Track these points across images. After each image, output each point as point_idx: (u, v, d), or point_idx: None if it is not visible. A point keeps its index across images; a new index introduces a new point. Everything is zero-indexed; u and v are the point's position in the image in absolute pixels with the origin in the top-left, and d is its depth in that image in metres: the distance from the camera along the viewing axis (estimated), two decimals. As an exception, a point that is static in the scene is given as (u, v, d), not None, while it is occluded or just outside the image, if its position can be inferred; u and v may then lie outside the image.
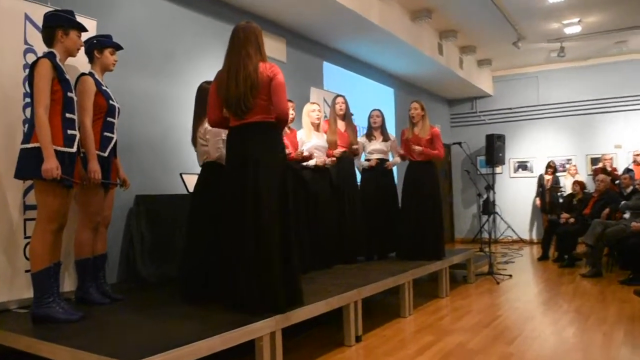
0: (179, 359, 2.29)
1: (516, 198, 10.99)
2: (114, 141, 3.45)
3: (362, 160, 5.67)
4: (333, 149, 5.16)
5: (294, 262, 3.07)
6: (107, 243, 3.62)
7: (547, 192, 9.97)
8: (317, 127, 5.00)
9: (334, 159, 5.06)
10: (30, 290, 2.98)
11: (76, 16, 3.17)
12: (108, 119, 3.40)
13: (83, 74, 3.35)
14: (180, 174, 4.59)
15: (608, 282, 6.02)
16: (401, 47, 7.52)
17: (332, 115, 5.39)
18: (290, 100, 4.27)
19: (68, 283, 3.54)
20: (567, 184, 9.65)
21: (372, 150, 5.61)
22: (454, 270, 6.02)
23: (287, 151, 3.67)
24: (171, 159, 4.84)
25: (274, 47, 6.18)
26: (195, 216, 3.47)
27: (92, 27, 3.66)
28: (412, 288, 4.57)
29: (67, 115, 2.96)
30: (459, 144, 6.77)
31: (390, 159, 5.74)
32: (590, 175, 9.96)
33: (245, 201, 2.99)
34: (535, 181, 10.52)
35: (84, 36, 3.26)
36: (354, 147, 5.32)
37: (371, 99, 7.98)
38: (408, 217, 5.38)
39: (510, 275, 6.46)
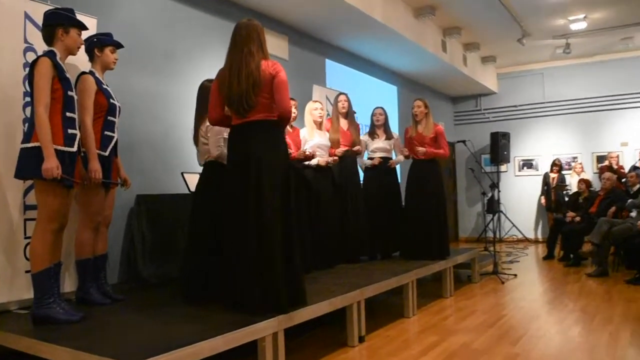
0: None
1: (521, 196, 10.96)
2: (114, 140, 3.46)
3: (364, 159, 5.67)
4: (336, 147, 5.16)
5: (296, 261, 3.07)
6: (108, 243, 3.62)
7: (553, 191, 9.94)
8: (319, 125, 4.99)
9: (336, 158, 5.06)
10: (31, 290, 2.98)
11: (76, 14, 3.17)
12: (109, 117, 3.41)
13: (83, 73, 3.35)
14: (182, 173, 4.59)
15: (614, 281, 6.00)
16: (404, 44, 7.51)
17: (335, 114, 5.39)
18: (292, 99, 4.27)
19: (68, 283, 3.54)
20: (572, 182, 9.62)
21: (375, 148, 5.61)
22: (458, 269, 6.02)
23: (289, 150, 3.67)
24: (172, 158, 4.85)
25: (276, 45, 6.18)
26: (197, 216, 3.47)
27: (92, 26, 3.66)
28: (416, 288, 4.56)
29: (68, 114, 2.96)
30: (463, 142, 6.75)
31: (394, 157, 5.73)
32: (596, 173, 9.94)
33: (247, 200, 2.99)
34: (540, 179, 10.50)
35: (84, 34, 3.26)
36: (355, 148, 5.31)
37: (374, 96, 7.97)
38: (412, 216, 5.38)
39: (515, 275, 6.45)
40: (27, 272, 3.20)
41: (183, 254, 3.64)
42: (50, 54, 2.95)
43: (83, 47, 3.30)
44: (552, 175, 10.08)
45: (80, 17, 3.24)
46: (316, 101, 5.15)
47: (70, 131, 2.95)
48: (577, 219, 7.41)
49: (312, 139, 4.87)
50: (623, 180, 8.06)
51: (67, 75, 3.00)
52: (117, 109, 3.49)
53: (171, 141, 4.86)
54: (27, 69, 3.09)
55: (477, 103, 11.68)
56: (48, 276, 2.88)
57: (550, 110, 10.86)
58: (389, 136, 5.66)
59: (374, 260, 5.41)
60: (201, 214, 3.43)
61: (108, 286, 3.54)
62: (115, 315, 3.11)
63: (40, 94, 2.84)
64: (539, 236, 10.81)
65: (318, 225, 4.69)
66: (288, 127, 4.58)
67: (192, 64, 5.18)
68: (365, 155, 5.70)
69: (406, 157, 5.57)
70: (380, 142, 5.61)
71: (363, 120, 6.81)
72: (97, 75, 3.40)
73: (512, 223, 10.69)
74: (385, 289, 4.07)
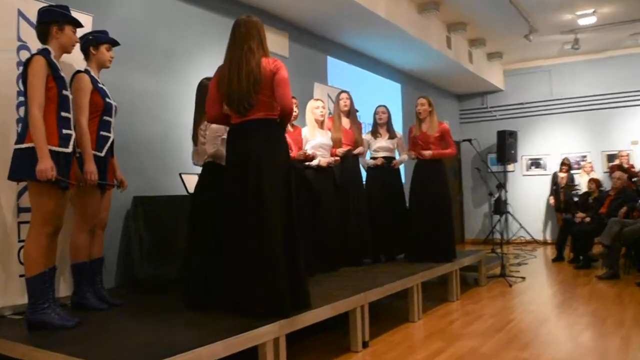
0: (180, 366, 2.29)
1: (529, 197, 10.95)
2: (110, 140, 3.46)
3: (367, 159, 5.66)
4: (337, 146, 5.15)
5: (299, 262, 3.07)
6: (104, 246, 3.63)
7: (562, 191, 9.93)
8: (321, 124, 5.00)
9: (337, 158, 5.05)
10: (25, 295, 2.98)
11: (71, 11, 3.18)
12: (105, 117, 3.41)
13: (79, 71, 3.36)
14: (180, 174, 4.60)
15: (625, 284, 5.99)
16: (408, 40, 7.51)
17: (337, 112, 5.39)
18: (293, 97, 4.27)
19: (64, 288, 3.55)
20: (582, 182, 9.61)
21: (378, 148, 5.61)
22: (465, 272, 6.01)
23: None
24: (170, 158, 4.85)
25: (276, 42, 6.18)
26: (195, 218, 3.47)
27: (87, 23, 3.67)
28: (421, 291, 4.56)
29: (62, 114, 2.97)
30: (469, 141, 6.74)
31: (397, 157, 5.73)
32: (606, 172, 9.91)
33: (247, 200, 2.99)
34: (548, 179, 10.49)
35: (80, 32, 3.27)
36: (357, 151, 5.30)
37: (377, 94, 7.96)
38: (416, 217, 5.37)
39: (524, 278, 6.44)
40: (21, 276, 3.21)
41: (182, 257, 3.64)
42: (44, 52, 2.95)
43: (78, 45, 3.30)
44: (561, 174, 10.07)
45: (75, 14, 3.24)
46: (317, 99, 5.15)
47: (65, 131, 2.96)
48: (587, 219, 7.39)
49: (313, 139, 4.87)
50: (634, 179, 8.05)
51: (62, 74, 3.00)
52: (114, 108, 3.49)
53: (169, 141, 4.86)
54: (21, 68, 3.09)
55: (483, 101, 11.67)
56: (43, 280, 2.88)
57: (559, 107, 10.85)
58: (392, 135, 5.65)
59: (378, 263, 5.41)
60: (200, 216, 3.43)
61: (104, 290, 3.54)
62: (112, 320, 3.12)
63: (34, 94, 2.84)
64: (548, 238, 10.79)
65: (319, 226, 4.69)
66: (289, 127, 4.58)
67: (190, 62, 5.18)
68: (368, 155, 5.70)
69: (413, 158, 5.55)
70: (383, 142, 5.61)
71: (365, 118, 6.80)
72: (92, 73, 3.40)
73: (520, 224, 10.68)
74: (390, 293, 4.07)
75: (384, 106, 5.75)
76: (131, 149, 4.43)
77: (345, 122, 5.36)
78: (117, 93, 3.71)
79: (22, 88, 3.11)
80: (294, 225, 3.10)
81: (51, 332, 2.78)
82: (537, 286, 6.08)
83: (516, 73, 11.26)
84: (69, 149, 2.97)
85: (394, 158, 5.66)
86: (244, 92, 3.03)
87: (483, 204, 11.45)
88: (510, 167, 11.11)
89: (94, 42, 3.46)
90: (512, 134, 10.75)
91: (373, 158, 5.63)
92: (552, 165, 10.71)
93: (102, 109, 3.38)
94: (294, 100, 4.46)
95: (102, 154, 3.37)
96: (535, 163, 11.10)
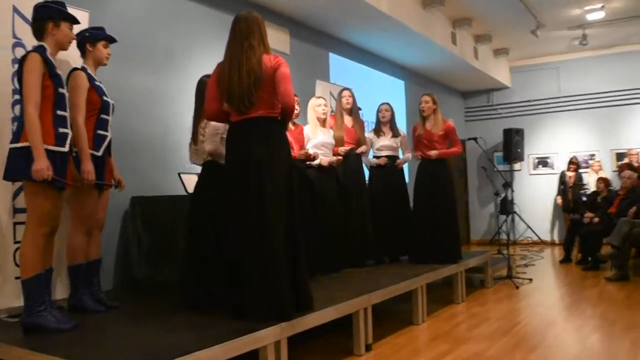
0: (178, 370, 2.29)
1: (536, 196, 10.93)
2: (108, 139, 3.46)
3: (370, 158, 5.66)
4: (340, 145, 5.15)
5: (301, 263, 3.07)
6: (102, 247, 3.63)
7: (570, 190, 9.92)
8: (323, 122, 4.99)
9: (340, 157, 5.05)
10: (21, 298, 2.98)
11: (67, 7, 3.18)
12: (102, 116, 3.41)
13: (75, 69, 3.36)
14: (179, 174, 4.60)
15: (635, 286, 5.98)
16: (412, 36, 7.50)
17: (339, 110, 5.38)
18: (294, 95, 4.26)
19: (60, 290, 3.55)
20: (590, 181, 9.60)
21: (381, 146, 5.61)
22: (471, 274, 6.00)
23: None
24: (169, 158, 4.85)
25: (276, 38, 6.18)
26: (195, 218, 3.47)
27: (84, 19, 3.67)
28: (426, 293, 4.56)
29: (59, 112, 2.97)
30: (475, 139, 6.72)
31: (401, 156, 5.72)
32: (615, 171, 9.89)
33: (248, 200, 3.00)
34: (556, 178, 10.47)
35: (76, 29, 3.27)
36: (360, 150, 5.30)
37: (380, 92, 7.96)
38: (421, 218, 5.37)
39: (531, 279, 6.44)
40: (17, 278, 3.21)
41: (181, 259, 3.64)
42: (40, 50, 2.95)
43: (74, 42, 3.30)
44: (569, 173, 10.05)
45: (71, 10, 3.24)
46: (319, 97, 5.15)
47: (61, 130, 2.96)
48: (596, 220, 7.38)
49: (315, 137, 4.87)
50: (644, 178, 8.02)
51: (58, 71, 3.01)
52: (111, 106, 3.49)
53: (167, 140, 4.86)
54: (16, 66, 3.09)
55: (489, 98, 11.66)
56: (39, 282, 2.89)
57: (566, 105, 10.83)
58: (395, 134, 5.65)
59: (381, 264, 5.41)
60: (200, 216, 3.44)
61: (102, 293, 3.54)
62: (110, 323, 3.12)
63: (29, 92, 2.85)
64: (555, 238, 10.77)
65: (322, 227, 4.68)
66: (290, 125, 4.58)
67: (189, 59, 5.18)
68: (371, 154, 5.70)
69: (418, 158, 5.53)
70: (386, 140, 5.61)
71: (368, 116, 6.80)
72: (89, 71, 3.41)
73: (527, 224, 10.67)
74: (394, 295, 4.07)
75: (387, 104, 5.74)
76: (129, 148, 4.43)
77: (348, 120, 5.36)
78: (115, 91, 3.71)
79: (17, 86, 3.11)
80: (296, 226, 3.10)
81: (47, 335, 2.78)
82: (544, 288, 6.08)
83: (523, 70, 11.24)
84: (66, 148, 2.98)
85: (397, 157, 5.66)
86: (245, 89, 3.03)
87: (489, 204, 11.44)
88: (516, 166, 11.10)
89: (90, 39, 3.46)
90: (519, 132, 10.74)
91: (376, 157, 5.62)
92: (560, 164, 10.69)
93: (99, 107, 3.38)
94: (295, 98, 4.46)
95: (100, 153, 3.38)
96: (543, 162, 11.09)
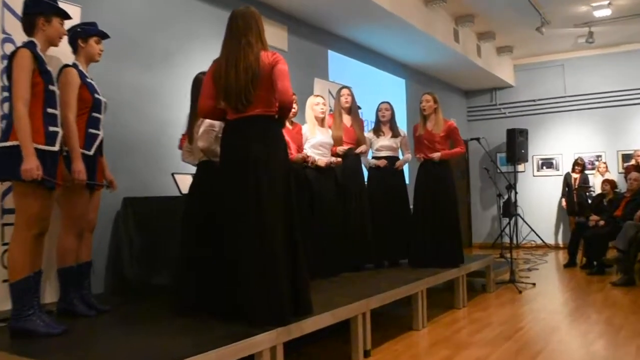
0: (171, 376, 2.29)
1: (540, 199, 10.96)
2: (99, 138, 3.46)
3: (369, 158, 5.66)
4: (338, 145, 5.15)
5: (300, 266, 3.07)
6: (93, 250, 3.63)
7: (575, 192, 9.94)
8: (321, 121, 5.00)
9: (339, 160, 5.04)
10: (9, 301, 2.98)
11: (59, 2, 3.17)
12: (93, 114, 3.41)
13: (66, 65, 3.36)
14: (173, 174, 4.60)
15: (641, 290, 6.00)
16: (413, 33, 7.51)
17: (337, 109, 5.38)
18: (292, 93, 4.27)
19: (50, 293, 3.55)
20: (596, 183, 9.62)
21: (380, 147, 5.61)
22: (472, 278, 6.01)
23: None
24: (162, 158, 4.85)
25: (274, 35, 6.18)
26: (190, 220, 3.47)
27: (76, 14, 3.68)
28: (426, 298, 4.56)
29: (49, 110, 2.97)
30: (477, 139, 6.73)
31: (400, 156, 5.72)
32: (621, 173, 9.93)
33: (245, 201, 3.00)
34: (561, 180, 10.49)
35: (68, 24, 3.27)
36: (359, 149, 5.30)
37: (380, 90, 7.98)
38: (421, 220, 5.37)
39: (534, 284, 6.45)
40: (4, 281, 3.20)
41: (175, 261, 3.64)
42: (30, 45, 2.95)
43: (66, 37, 3.30)
44: (574, 175, 10.07)
45: (62, 5, 3.24)
46: (318, 96, 5.15)
47: (51, 129, 2.96)
48: (601, 223, 7.39)
49: (313, 137, 4.87)
50: (651, 180, 8.04)
51: (49, 68, 3.00)
52: (103, 104, 3.49)
53: (161, 140, 4.86)
54: (5, 62, 3.09)
55: (492, 97, 11.68)
56: (27, 286, 2.88)
57: (572, 104, 10.85)
58: (395, 134, 5.65)
59: (381, 268, 5.41)
60: (195, 218, 3.43)
61: (92, 296, 3.54)
62: (101, 327, 3.12)
63: (19, 89, 2.84)
64: (560, 242, 10.80)
65: (320, 229, 4.68)
66: (288, 124, 4.58)
67: (184, 56, 5.18)
68: (370, 154, 5.70)
69: (419, 160, 5.53)
70: (386, 140, 5.61)
71: (368, 116, 6.80)
72: (80, 68, 3.41)
73: (531, 227, 10.68)
74: (393, 299, 4.08)
75: (388, 103, 5.74)
76: (121, 147, 4.44)
77: (347, 120, 5.36)
78: (107, 88, 3.71)
79: (6, 83, 3.10)
80: (295, 225, 3.10)
81: (36, 340, 2.77)
82: (548, 293, 6.09)
83: (527, 68, 11.26)
84: (56, 147, 2.97)
85: (397, 158, 5.66)
86: (242, 87, 3.03)
87: (492, 206, 11.45)
88: (520, 167, 11.12)
89: (82, 34, 3.46)
90: (523, 133, 10.75)
91: (375, 157, 5.63)
92: (565, 165, 10.72)
93: (90, 105, 3.38)
94: (293, 97, 4.46)
95: (91, 153, 3.37)
96: (547, 163, 11.11)
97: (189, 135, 3.69)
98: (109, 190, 3.73)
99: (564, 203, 10.28)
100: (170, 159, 4.84)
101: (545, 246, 10.67)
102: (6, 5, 3.42)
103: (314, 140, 4.87)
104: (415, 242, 5.37)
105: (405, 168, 5.80)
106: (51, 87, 3.00)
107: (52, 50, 3.22)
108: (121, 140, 4.44)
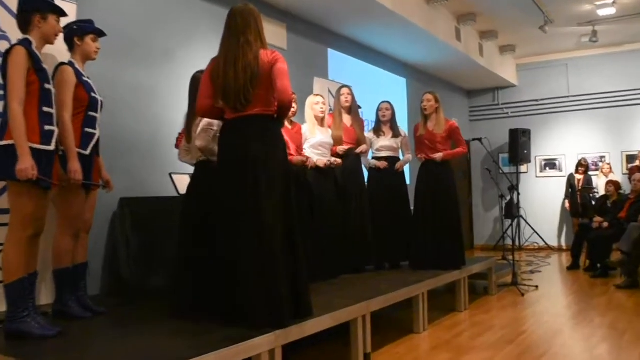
0: (168, 379, 2.29)
1: (543, 200, 10.96)
2: (96, 138, 3.46)
3: (369, 159, 5.66)
4: (338, 145, 5.15)
5: (300, 267, 3.07)
6: (89, 251, 3.63)
7: (578, 194, 9.94)
8: (321, 121, 5.00)
9: (339, 162, 5.04)
10: (3, 303, 2.98)
11: (54, -1, 3.18)
12: (90, 113, 3.41)
13: (62, 64, 3.36)
14: (170, 174, 4.60)
15: (646, 293, 6.00)
16: (414, 32, 7.52)
17: (337, 108, 5.38)
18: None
19: (45, 295, 3.55)
20: (600, 184, 9.62)
21: (381, 147, 5.61)
22: (474, 280, 6.01)
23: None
24: (160, 157, 4.85)
25: (273, 33, 6.18)
26: (187, 220, 3.47)
27: (72, 12, 3.68)
28: (427, 301, 4.56)
29: (44, 109, 2.97)
30: (479, 140, 6.73)
31: (401, 157, 5.72)
32: (625, 174, 9.93)
33: (243, 202, 3.00)
34: (564, 181, 10.49)
35: (63, 21, 3.27)
36: (359, 149, 5.30)
37: (381, 90, 7.98)
38: (422, 221, 5.37)
39: (537, 286, 6.45)
40: (-1, 282, 3.21)
41: (172, 263, 3.64)
42: (25, 43, 2.95)
43: (61, 35, 3.30)
44: (578, 176, 10.08)
45: (58, 2, 3.25)
46: (317, 95, 5.15)
47: (47, 128, 2.96)
48: (605, 224, 7.40)
49: (313, 137, 4.87)
50: (655, 182, 8.04)
51: (44, 66, 3.00)
52: (99, 103, 3.49)
53: (158, 139, 4.86)
54: (0, 60, 3.09)
55: (494, 97, 11.68)
56: (22, 287, 2.88)
57: (575, 104, 10.86)
58: (396, 134, 5.65)
59: (381, 269, 5.41)
60: (193, 218, 3.43)
61: (88, 298, 3.54)
62: (97, 330, 3.12)
63: (14, 87, 2.84)
64: (563, 244, 10.80)
65: (320, 231, 4.69)
66: (287, 124, 4.58)
67: (182, 55, 5.18)
68: (370, 154, 5.70)
69: (420, 160, 5.54)
70: (386, 140, 5.61)
71: (368, 115, 6.81)
72: (77, 66, 3.40)
73: (533, 229, 10.68)
74: (393, 302, 4.08)
75: (388, 102, 5.75)
76: (118, 146, 4.44)
77: (347, 119, 5.37)
78: (103, 87, 3.72)
79: (1, 81, 3.10)
80: (294, 228, 3.10)
81: (31, 343, 2.77)
82: (551, 296, 6.09)
83: (530, 67, 11.27)
84: (52, 147, 2.97)
85: (397, 158, 5.66)
86: (241, 86, 3.03)
87: (494, 208, 11.45)
88: (523, 168, 11.12)
89: (78, 32, 3.46)
90: (526, 133, 10.76)
91: (376, 158, 5.63)
92: (568, 166, 10.72)
93: (87, 104, 3.38)
94: (292, 96, 4.46)
95: (87, 152, 3.37)
96: (550, 164, 11.12)
97: (187, 134, 3.69)
98: (105, 191, 3.73)
99: (567, 204, 10.28)
100: (167, 158, 4.84)
101: (548, 248, 10.67)
102: (1, 2, 3.42)
103: (313, 140, 4.87)
104: (416, 244, 5.38)
105: (406, 168, 5.80)
106: (47, 86, 3.00)
107: (47, 48, 3.22)
108: (118, 140, 4.44)
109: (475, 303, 5.59)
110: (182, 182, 4.36)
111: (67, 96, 3.26)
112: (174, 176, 4.56)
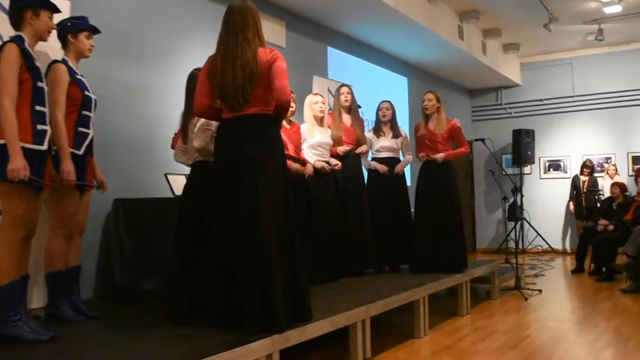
0: (163, 385, 2.29)
1: (547, 202, 10.97)
2: (89, 137, 3.46)
3: (369, 159, 5.66)
4: (338, 145, 5.16)
5: (299, 271, 3.07)
6: (82, 253, 3.62)
7: (583, 196, 9.94)
8: (320, 121, 5.00)
9: (338, 164, 5.03)
10: (-6, 306, 2.98)
11: (47, -5, 3.17)
12: (83, 112, 3.41)
13: (55, 61, 3.36)
14: (166, 175, 4.60)
15: (652, 298, 6.01)
16: (416, 30, 7.52)
17: (337, 108, 5.39)
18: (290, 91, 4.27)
19: (37, 298, 3.55)
20: (605, 186, 9.63)
21: (381, 147, 5.61)
22: (476, 284, 6.02)
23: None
24: (155, 157, 4.85)
25: (271, 31, 6.18)
26: (184, 221, 3.47)
27: (65, 8, 3.67)
28: (428, 305, 4.56)
29: (37, 107, 2.96)
30: (482, 140, 6.74)
31: (401, 158, 5.72)
32: (631, 176, 9.92)
33: (241, 203, 3.00)
34: (568, 183, 10.50)
35: (57, 18, 3.27)
36: (360, 150, 5.30)
37: (381, 89, 7.99)
38: (423, 224, 5.37)
39: (540, 290, 6.45)
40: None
41: (168, 264, 3.64)
42: (17, 40, 2.95)
43: (55, 32, 3.30)
44: (582, 178, 10.08)
45: (51, -2, 3.24)
46: (317, 94, 5.16)
47: (39, 127, 2.95)
48: (610, 227, 7.40)
49: (312, 137, 4.87)
50: (662, 184, 8.05)
51: (37, 63, 3.00)
52: (93, 102, 3.49)
53: (154, 139, 4.86)
54: (-8, 57, 3.09)
55: (497, 97, 11.69)
56: (14, 290, 2.88)
57: (580, 104, 10.87)
58: (396, 134, 5.65)
59: (381, 273, 5.41)
60: (189, 219, 3.43)
61: (81, 301, 3.53)
62: (90, 334, 3.12)
63: (6, 85, 2.84)
64: (567, 247, 10.81)
65: (319, 233, 4.68)
66: (285, 123, 4.59)
67: (178, 53, 5.18)
68: (370, 155, 5.70)
69: (421, 160, 5.54)
70: (386, 141, 5.61)
71: (368, 115, 6.81)
72: (70, 64, 3.40)
73: (537, 232, 10.69)
74: (394, 306, 4.08)
75: (389, 102, 5.74)
76: (112, 146, 4.44)
77: (346, 119, 5.37)
78: (97, 85, 3.71)
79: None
80: (292, 229, 3.10)
81: (22, 347, 2.77)
82: (555, 300, 6.09)
83: (534, 66, 11.28)
84: (44, 147, 2.97)
85: (398, 159, 5.66)
86: (239, 85, 3.03)
87: (497, 210, 11.46)
88: (526, 170, 11.13)
89: (72, 29, 3.45)
90: (529, 133, 10.77)
91: (375, 158, 5.63)
92: (573, 167, 10.73)
93: (80, 103, 3.37)
94: (291, 95, 4.46)
95: (81, 152, 3.37)
96: (554, 165, 11.12)
97: (183, 134, 3.69)
98: (99, 191, 3.72)
99: (571, 207, 10.29)
100: (163, 159, 4.84)
101: (552, 251, 10.67)
102: (-7, -1, 3.41)
103: (312, 140, 4.87)
104: (417, 246, 5.37)
105: (407, 169, 5.79)
106: (39, 84, 2.99)
107: (40, 46, 3.21)
108: (112, 140, 4.44)
109: (477, 307, 5.60)
110: (178, 183, 4.36)
111: (60, 95, 3.25)
112: (169, 177, 4.56)
